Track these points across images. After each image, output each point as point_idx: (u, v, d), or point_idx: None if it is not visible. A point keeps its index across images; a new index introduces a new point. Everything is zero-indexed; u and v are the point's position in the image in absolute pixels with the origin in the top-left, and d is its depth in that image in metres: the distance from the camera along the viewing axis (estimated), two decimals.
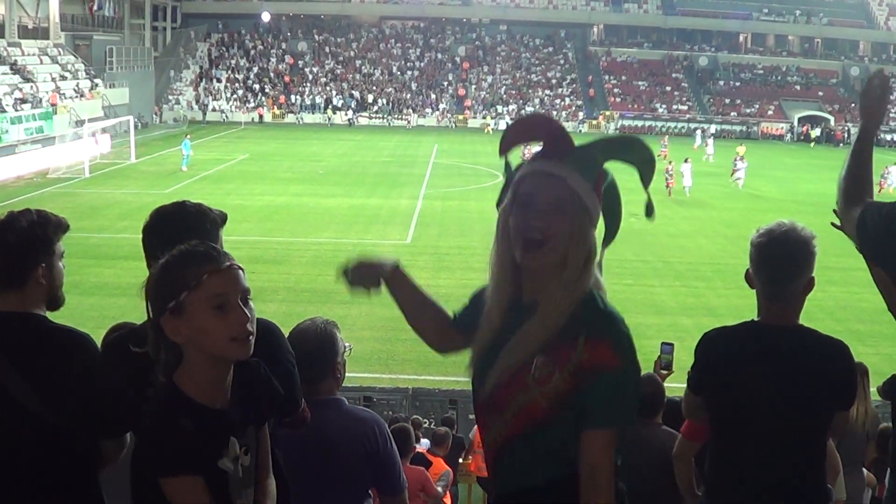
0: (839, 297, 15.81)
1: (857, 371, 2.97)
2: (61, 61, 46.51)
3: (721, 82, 63.95)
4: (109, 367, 2.54)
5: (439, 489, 6.62)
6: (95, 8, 54.17)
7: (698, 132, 50.20)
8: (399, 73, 63.56)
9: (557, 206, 2.00)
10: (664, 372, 4.72)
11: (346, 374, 3.18)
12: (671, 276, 19.24)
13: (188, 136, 35.76)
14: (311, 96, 60.24)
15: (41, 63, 44.29)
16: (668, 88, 62.53)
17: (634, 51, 66.12)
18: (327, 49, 65.36)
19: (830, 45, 67.22)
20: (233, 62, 62.98)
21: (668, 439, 3.69)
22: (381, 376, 12.67)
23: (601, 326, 1.99)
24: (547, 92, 61.82)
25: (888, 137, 57.61)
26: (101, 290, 16.01)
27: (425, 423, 9.75)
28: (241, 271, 1.98)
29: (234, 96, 59.58)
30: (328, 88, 60.76)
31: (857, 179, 2.50)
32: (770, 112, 60.27)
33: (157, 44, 62.26)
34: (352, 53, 64.90)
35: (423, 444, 8.08)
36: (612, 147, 2.13)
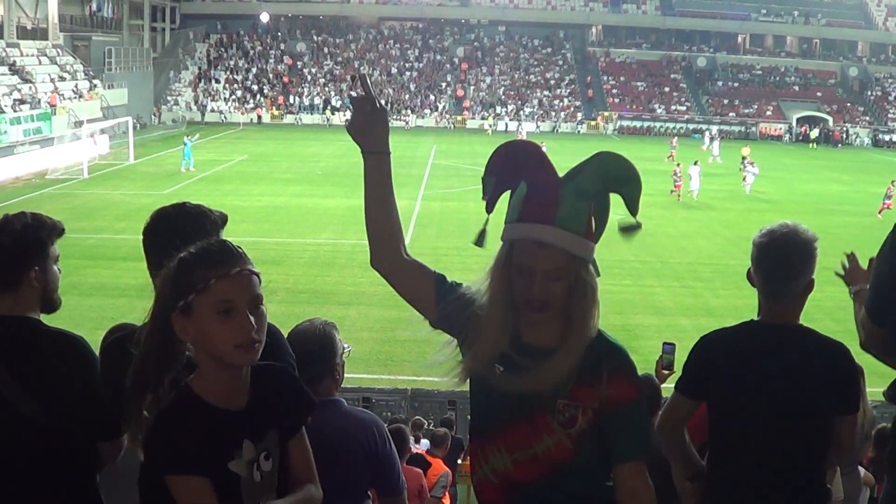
0: (838, 298, 15.71)
1: (859, 374, 2.97)
2: (60, 62, 46.48)
3: (719, 83, 63.99)
4: (109, 368, 2.54)
5: (438, 490, 6.62)
6: (94, 9, 54.17)
7: (706, 134, 49.94)
8: (398, 73, 63.58)
9: (556, 275, 2.05)
10: (665, 372, 4.72)
11: (345, 375, 3.18)
12: (670, 276, 19.25)
13: (188, 138, 35.63)
14: (309, 97, 60.25)
15: (40, 64, 44.26)
16: (667, 89, 62.55)
17: (633, 51, 66.16)
18: (326, 50, 65.37)
19: (829, 45, 67.27)
20: (231, 63, 62.99)
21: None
22: (379, 377, 12.67)
23: (618, 361, 2.10)
24: (545, 92, 61.83)
25: (887, 138, 57.70)
26: (100, 291, 16.02)
27: (426, 424, 9.75)
28: (253, 276, 1.94)
29: (233, 97, 59.57)
30: (327, 89, 60.77)
31: None
32: (768, 112, 60.30)
33: (155, 45, 62.27)
34: (350, 54, 64.89)
35: (423, 445, 8.08)
36: (602, 182, 2.09)
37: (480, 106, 60.44)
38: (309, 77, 62.35)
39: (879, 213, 26.18)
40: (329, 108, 58.73)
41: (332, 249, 20.15)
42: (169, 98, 58.51)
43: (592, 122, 58.19)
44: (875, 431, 4.86)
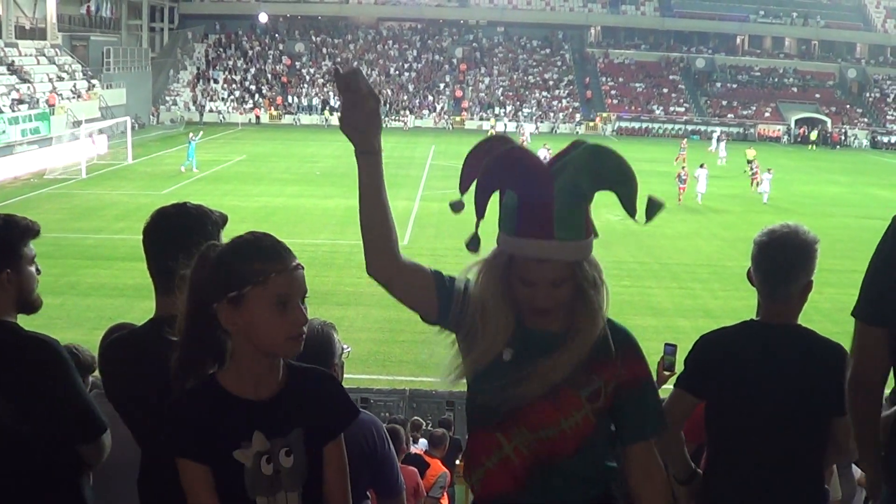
0: (836, 299, 15.71)
1: None
2: (58, 62, 46.45)
3: (718, 84, 64.01)
4: (108, 368, 2.54)
5: (436, 491, 6.62)
6: (93, 9, 54.13)
7: (714, 136, 49.54)
8: (396, 74, 63.58)
9: (560, 283, 2.05)
10: (667, 373, 4.70)
11: (344, 376, 3.18)
12: (668, 277, 19.26)
13: (193, 137, 35.33)
14: (308, 97, 60.23)
15: (38, 64, 44.22)
16: (665, 90, 62.58)
17: (631, 52, 66.17)
18: (324, 50, 65.36)
19: (827, 47, 67.28)
20: (230, 63, 62.95)
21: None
22: (378, 378, 12.67)
23: (627, 341, 2.14)
24: (544, 93, 61.84)
25: (885, 140, 57.74)
26: (98, 291, 15.98)
27: (424, 424, 9.76)
28: (303, 271, 2.00)
29: (232, 97, 59.54)
30: (325, 89, 60.74)
31: None
32: (767, 114, 60.33)
33: (154, 45, 62.22)
34: (349, 55, 64.87)
35: (421, 445, 8.08)
36: (598, 181, 2.03)
37: (479, 106, 60.44)
38: (307, 77, 62.33)
39: None
40: (328, 108, 58.70)
41: (330, 250, 20.14)
42: (167, 98, 58.45)
43: (591, 123, 58.18)
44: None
